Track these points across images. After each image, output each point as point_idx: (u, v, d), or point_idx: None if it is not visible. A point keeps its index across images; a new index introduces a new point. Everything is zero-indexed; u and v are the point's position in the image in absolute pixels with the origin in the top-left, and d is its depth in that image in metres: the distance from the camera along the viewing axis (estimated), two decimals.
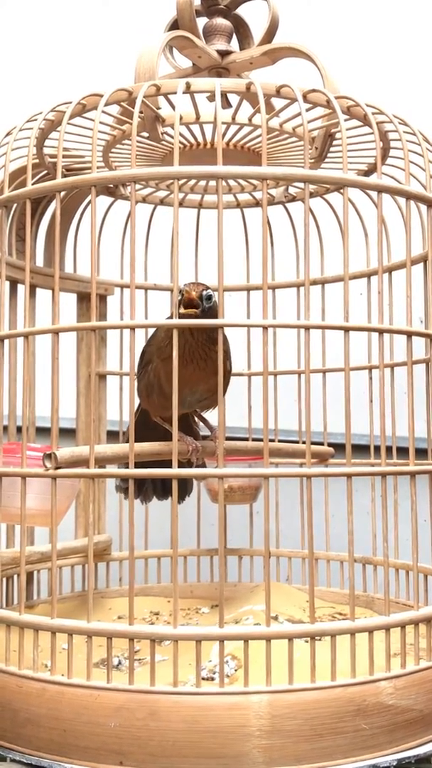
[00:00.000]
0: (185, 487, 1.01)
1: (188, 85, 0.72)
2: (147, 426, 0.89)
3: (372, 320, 0.98)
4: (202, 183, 1.02)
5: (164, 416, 0.86)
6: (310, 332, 0.66)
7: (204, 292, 0.77)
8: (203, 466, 0.96)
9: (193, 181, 1.01)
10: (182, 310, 0.75)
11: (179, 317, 0.73)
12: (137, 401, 0.89)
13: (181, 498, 1.01)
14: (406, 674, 0.67)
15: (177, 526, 0.64)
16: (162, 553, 1.06)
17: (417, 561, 0.71)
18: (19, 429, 0.95)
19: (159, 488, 0.99)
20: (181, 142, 0.84)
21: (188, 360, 0.78)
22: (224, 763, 0.61)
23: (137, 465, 0.67)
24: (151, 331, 0.92)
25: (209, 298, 0.77)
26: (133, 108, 0.68)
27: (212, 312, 0.77)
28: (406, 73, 1.31)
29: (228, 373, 0.85)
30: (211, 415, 0.93)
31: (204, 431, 0.95)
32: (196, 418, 0.96)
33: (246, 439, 1.04)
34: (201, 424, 0.95)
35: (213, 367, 0.78)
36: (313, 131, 0.82)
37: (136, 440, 0.92)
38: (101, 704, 0.63)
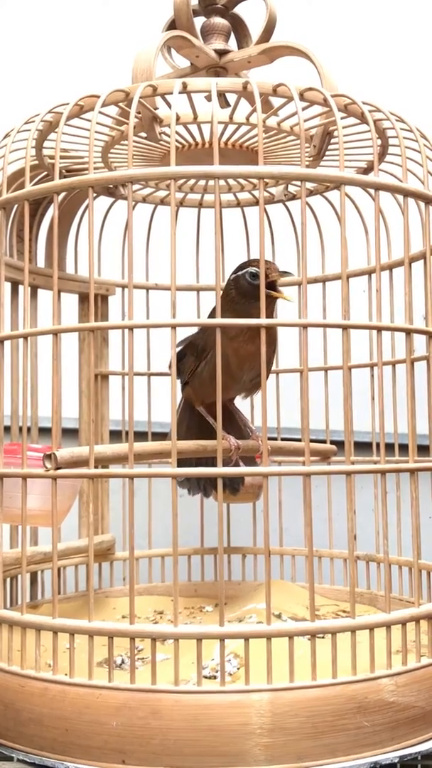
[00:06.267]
0: (235, 481, 0.98)
1: (185, 85, 0.72)
2: (193, 421, 0.92)
3: (373, 318, 0.98)
4: (202, 182, 1.02)
5: (224, 398, 0.89)
6: (308, 331, 0.66)
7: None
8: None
9: (192, 181, 1.01)
10: (274, 293, 0.81)
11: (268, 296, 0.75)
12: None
13: (236, 490, 0.98)
14: (408, 671, 0.67)
15: (177, 526, 0.65)
16: (165, 553, 1.06)
17: (417, 558, 0.71)
18: (21, 429, 0.95)
19: (210, 483, 0.99)
20: (179, 142, 0.85)
21: (255, 331, 0.76)
22: (226, 762, 0.61)
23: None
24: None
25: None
26: (130, 109, 0.68)
27: None
28: (405, 70, 1.31)
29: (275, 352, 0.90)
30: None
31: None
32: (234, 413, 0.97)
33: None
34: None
35: (270, 338, 0.82)
36: (311, 129, 0.82)
37: (186, 436, 0.92)
38: (103, 703, 0.64)
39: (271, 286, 0.81)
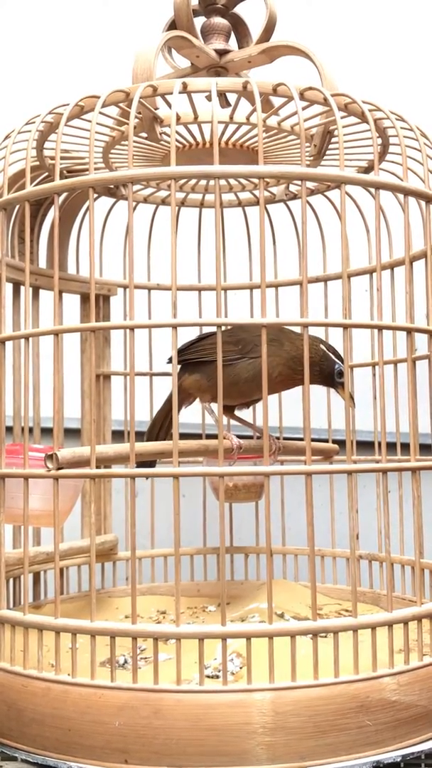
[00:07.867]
0: None
1: (185, 85, 0.72)
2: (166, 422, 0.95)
3: (374, 317, 0.98)
4: (203, 182, 1.02)
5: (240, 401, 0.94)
6: (309, 330, 0.66)
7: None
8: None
9: (193, 181, 1.01)
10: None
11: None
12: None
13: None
14: (410, 670, 0.67)
15: (179, 525, 0.65)
16: (168, 552, 1.06)
17: (419, 556, 0.71)
18: (23, 430, 0.95)
19: None
20: (179, 142, 0.85)
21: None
22: (228, 761, 0.61)
23: None
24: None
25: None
26: (131, 109, 0.68)
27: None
28: (405, 70, 1.31)
29: None
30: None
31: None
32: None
33: (251, 437, 1.04)
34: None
35: None
36: (311, 129, 0.82)
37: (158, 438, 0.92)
38: (105, 703, 0.64)
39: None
